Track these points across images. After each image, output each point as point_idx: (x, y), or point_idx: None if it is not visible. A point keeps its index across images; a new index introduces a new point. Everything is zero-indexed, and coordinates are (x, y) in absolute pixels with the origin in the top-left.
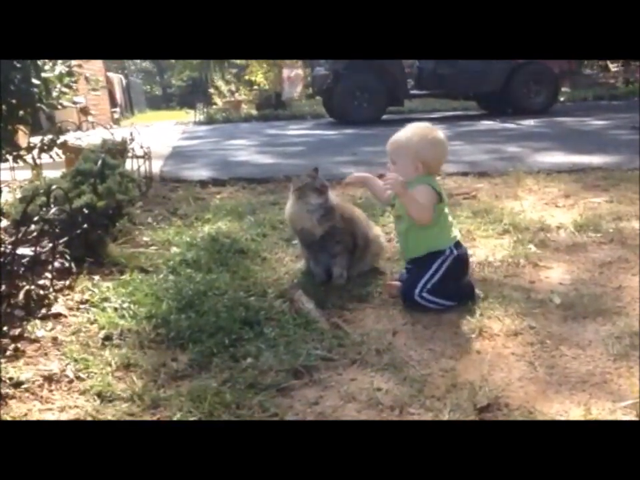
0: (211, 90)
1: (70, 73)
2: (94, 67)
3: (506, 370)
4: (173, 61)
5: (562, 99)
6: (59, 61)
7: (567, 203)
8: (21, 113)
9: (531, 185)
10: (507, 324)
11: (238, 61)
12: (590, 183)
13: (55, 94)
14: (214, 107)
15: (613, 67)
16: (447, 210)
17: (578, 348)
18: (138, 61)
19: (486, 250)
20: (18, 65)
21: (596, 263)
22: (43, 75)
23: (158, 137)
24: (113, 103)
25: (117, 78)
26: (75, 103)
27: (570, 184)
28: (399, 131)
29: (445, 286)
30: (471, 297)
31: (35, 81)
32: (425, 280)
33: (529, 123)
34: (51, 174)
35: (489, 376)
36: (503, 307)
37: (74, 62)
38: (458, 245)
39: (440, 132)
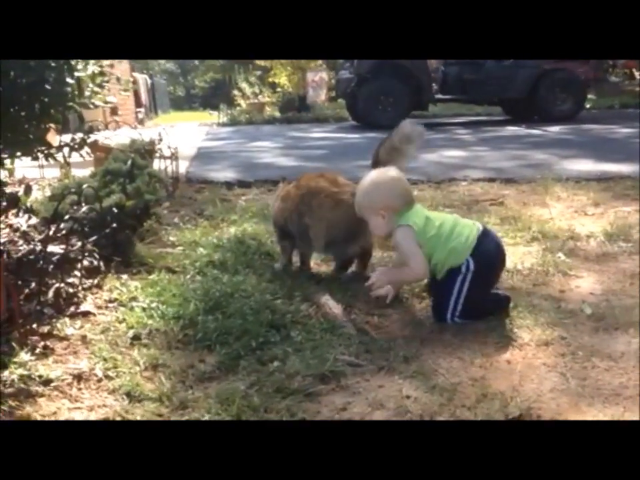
0: (235, 92)
1: (102, 73)
2: (120, 68)
3: (537, 381)
4: (197, 62)
5: (587, 106)
6: (91, 61)
7: (597, 212)
8: (53, 111)
9: (559, 192)
10: (537, 334)
11: (262, 63)
12: (619, 192)
13: (87, 93)
14: (237, 108)
15: (639, 74)
16: (438, 226)
17: (610, 360)
18: (162, 61)
19: (514, 258)
20: (52, 64)
21: (627, 273)
22: (76, 74)
23: (182, 137)
24: (138, 103)
25: (142, 78)
26: (106, 102)
27: (599, 192)
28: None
29: (473, 305)
30: (505, 307)
31: (68, 80)
32: (452, 304)
33: (555, 129)
34: (78, 173)
35: (520, 386)
36: (532, 317)
37: (106, 62)
38: (477, 251)
39: (388, 172)
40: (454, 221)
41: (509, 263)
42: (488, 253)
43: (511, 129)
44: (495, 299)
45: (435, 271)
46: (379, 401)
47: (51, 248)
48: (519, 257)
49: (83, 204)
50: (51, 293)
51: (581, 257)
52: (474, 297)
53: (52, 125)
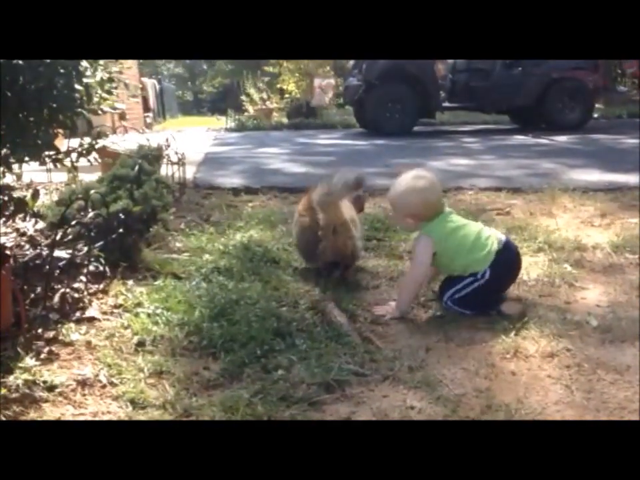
0: (243, 97)
1: (111, 79)
2: (129, 72)
3: (542, 393)
4: (205, 67)
5: (595, 115)
6: (100, 67)
7: (603, 223)
8: (61, 117)
9: (566, 202)
10: (542, 345)
11: (270, 69)
12: (627, 203)
13: (95, 99)
14: (245, 114)
15: None
16: (461, 237)
17: (616, 372)
18: (171, 66)
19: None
20: (62, 71)
21: (633, 285)
22: (85, 80)
23: (190, 142)
24: (146, 108)
25: (150, 83)
26: (115, 109)
27: (606, 203)
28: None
29: (472, 301)
30: (496, 307)
31: (77, 86)
32: (452, 292)
33: (562, 138)
34: (85, 177)
35: (525, 398)
36: (538, 328)
37: (114, 68)
38: (496, 264)
39: (420, 180)
40: (478, 232)
41: None
42: (504, 266)
43: (519, 138)
44: (493, 301)
45: (454, 274)
46: (384, 411)
47: (58, 253)
48: (525, 267)
49: (90, 209)
50: (56, 298)
51: (587, 268)
52: (476, 297)
53: (60, 130)
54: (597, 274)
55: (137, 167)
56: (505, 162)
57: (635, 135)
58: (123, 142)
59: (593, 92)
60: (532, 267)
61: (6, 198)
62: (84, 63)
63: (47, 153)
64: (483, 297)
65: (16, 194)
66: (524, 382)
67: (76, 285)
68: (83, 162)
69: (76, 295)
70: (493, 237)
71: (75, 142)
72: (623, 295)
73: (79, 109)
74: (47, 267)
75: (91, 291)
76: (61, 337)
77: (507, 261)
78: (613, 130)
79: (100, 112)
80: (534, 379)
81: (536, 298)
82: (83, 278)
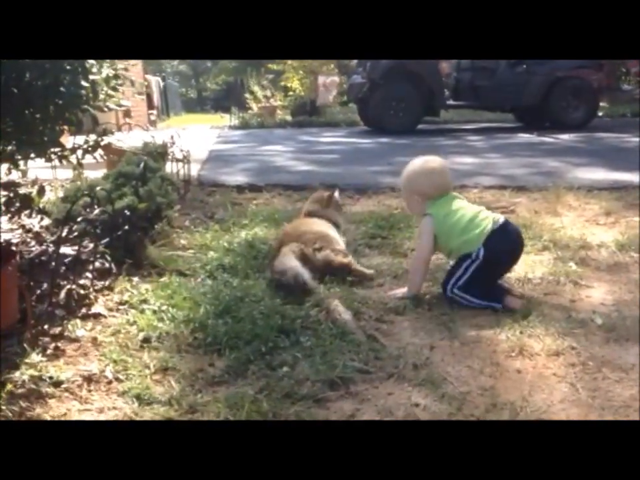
0: (247, 95)
1: (116, 76)
2: (134, 70)
3: (547, 391)
4: (209, 64)
5: (600, 114)
6: (105, 64)
7: (608, 221)
8: (67, 114)
9: (570, 201)
10: (547, 343)
11: (274, 67)
12: (631, 202)
13: (101, 96)
14: (249, 111)
15: None
16: (457, 218)
17: (621, 371)
18: (174, 63)
19: (525, 266)
20: (67, 67)
21: (638, 284)
22: (91, 77)
23: (194, 140)
24: (150, 105)
25: (154, 80)
26: (120, 106)
27: (611, 202)
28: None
29: (475, 285)
30: (501, 300)
31: (83, 83)
32: (454, 280)
33: (566, 137)
34: (90, 174)
35: (530, 397)
36: (543, 326)
37: (120, 65)
38: (490, 242)
39: (430, 162)
40: (474, 214)
41: (520, 271)
42: (501, 245)
43: (523, 136)
44: (497, 288)
45: (451, 256)
46: (388, 409)
47: (63, 249)
48: (530, 265)
49: (96, 206)
50: (62, 295)
51: (592, 267)
52: (477, 279)
53: (66, 127)
54: (602, 272)
55: (142, 164)
56: (510, 160)
57: (639, 133)
58: (128, 139)
59: (597, 91)
60: (537, 265)
61: (12, 194)
62: (90, 60)
63: (52, 149)
64: (483, 278)
65: (21, 190)
66: (529, 380)
67: (82, 282)
68: (88, 159)
69: (82, 292)
70: (489, 218)
71: (80, 139)
72: (627, 293)
73: (85, 106)
74: (53, 263)
75: (96, 287)
76: (66, 333)
77: (503, 240)
78: (617, 129)
79: (106, 109)
80: (539, 377)
81: (541, 296)
82: (89, 274)
